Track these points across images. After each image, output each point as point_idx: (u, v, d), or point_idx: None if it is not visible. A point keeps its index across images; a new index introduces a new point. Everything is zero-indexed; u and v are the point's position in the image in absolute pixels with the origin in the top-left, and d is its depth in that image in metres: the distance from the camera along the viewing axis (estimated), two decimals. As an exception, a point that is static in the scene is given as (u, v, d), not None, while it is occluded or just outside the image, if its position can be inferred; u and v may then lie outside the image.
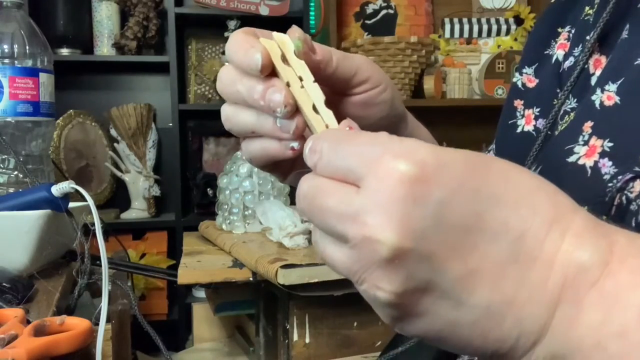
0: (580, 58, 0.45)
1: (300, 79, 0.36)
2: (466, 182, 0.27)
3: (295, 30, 0.36)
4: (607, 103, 0.40)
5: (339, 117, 0.35)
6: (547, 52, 0.53)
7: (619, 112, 0.39)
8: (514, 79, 0.56)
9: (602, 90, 0.41)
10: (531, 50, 0.55)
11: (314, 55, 0.37)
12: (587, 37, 0.46)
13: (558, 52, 0.51)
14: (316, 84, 0.36)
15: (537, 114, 0.52)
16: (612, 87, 0.40)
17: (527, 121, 0.53)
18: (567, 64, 0.50)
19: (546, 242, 0.27)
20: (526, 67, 0.55)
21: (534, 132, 0.51)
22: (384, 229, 0.26)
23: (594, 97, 0.41)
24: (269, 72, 0.36)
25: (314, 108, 0.35)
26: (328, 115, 0.35)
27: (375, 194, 0.26)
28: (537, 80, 0.53)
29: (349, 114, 0.41)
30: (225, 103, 0.40)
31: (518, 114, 0.54)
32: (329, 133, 0.31)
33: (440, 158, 0.27)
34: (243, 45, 0.36)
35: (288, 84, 0.36)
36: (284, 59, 0.36)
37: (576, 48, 0.49)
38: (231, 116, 0.39)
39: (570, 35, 0.51)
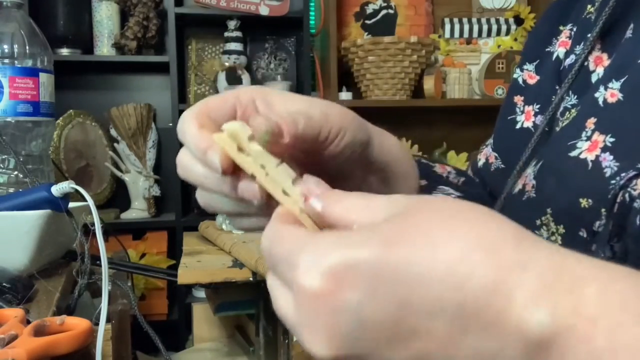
0: (579, 55, 0.45)
1: (262, 165, 0.34)
2: (383, 273, 0.25)
3: (260, 123, 0.34)
4: (611, 100, 0.40)
5: (319, 171, 0.34)
6: (548, 49, 0.53)
7: (622, 108, 0.39)
8: (515, 75, 0.56)
9: (606, 88, 0.41)
10: (532, 47, 0.55)
11: (282, 140, 0.35)
12: (589, 35, 0.46)
13: (559, 49, 0.51)
14: (281, 166, 0.34)
15: (537, 110, 0.52)
16: (615, 84, 0.40)
17: (526, 117, 0.53)
18: (568, 61, 0.50)
19: (492, 308, 0.25)
20: (527, 63, 0.55)
21: (532, 129, 0.52)
22: (315, 344, 0.26)
23: (597, 95, 0.41)
24: (231, 170, 0.35)
25: (284, 192, 0.33)
26: (298, 196, 0.33)
27: (299, 312, 0.27)
28: (537, 77, 0.53)
29: (324, 165, 0.40)
30: (198, 189, 0.39)
31: (518, 109, 0.54)
32: (267, 231, 0.30)
33: (349, 259, 0.26)
34: (199, 145, 0.35)
35: (253, 175, 0.34)
36: (242, 148, 0.34)
37: (577, 46, 0.49)
38: (210, 202, 0.39)
39: (572, 33, 0.51)
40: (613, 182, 0.36)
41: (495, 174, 0.57)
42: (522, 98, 0.54)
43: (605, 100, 0.40)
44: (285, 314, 0.29)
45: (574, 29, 0.51)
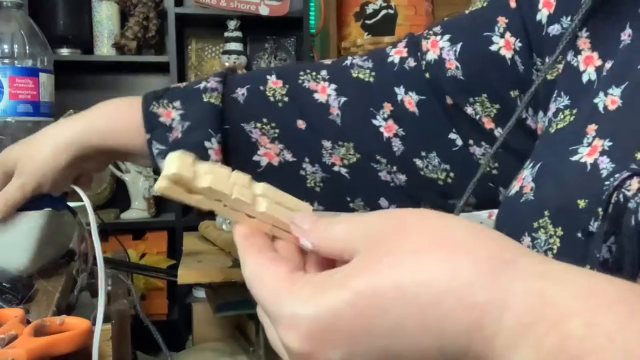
0: (555, 56, 0.44)
1: (218, 199, 0.34)
2: (359, 329, 0.26)
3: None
4: (611, 107, 0.40)
5: None
6: None
7: (621, 114, 0.39)
8: None
9: (606, 94, 0.41)
10: None
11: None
12: (570, 24, 0.45)
13: (543, 10, 0.48)
14: (235, 190, 0.33)
15: (518, 49, 0.50)
16: (616, 91, 0.40)
17: (506, 45, 0.50)
18: (552, 30, 0.47)
19: (471, 352, 0.25)
20: None
21: (509, 61, 0.50)
22: None
23: (596, 100, 0.41)
24: None
25: (249, 215, 0.34)
26: (263, 207, 0.33)
27: (289, 357, 0.28)
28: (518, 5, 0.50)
29: None
30: None
31: (497, 29, 0.51)
32: (245, 267, 0.31)
33: (326, 320, 0.26)
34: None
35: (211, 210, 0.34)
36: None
37: (564, 18, 0.46)
38: None
39: None
40: (607, 182, 0.36)
41: (450, 81, 0.53)
42: (507, 22, 0.51)
43: (605, 107, 0.40)
44: (275, 346, 0.30)
45: None
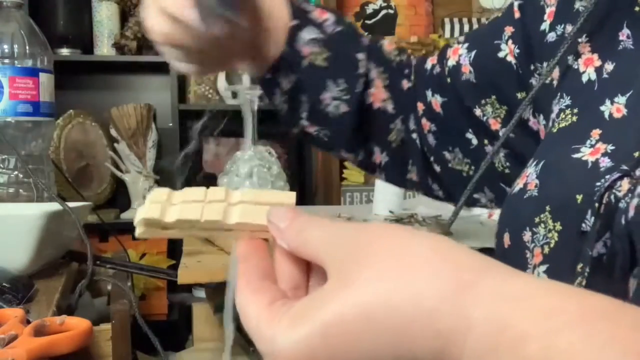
0: (556, 58, 0.46)
1: (190, 227, 0.35)
2: (334, 357, 0.27)
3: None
4: (616, 115, 0.41)
5: None
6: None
7: (626, 122, 0.41)
8: (515, 3, 0.55)
9: (612, 102, 0.42)
10: None
11: None
12: (567, 33, 0.46)
13: (547, 21, 0.51)
14: (205, 213, 0.34)
15: (516, 55, 0.53)
16: (621, 99, 0.42)
17: (509, 50, 0.54)
18: (549, 38, 0.50)
19: None
20: None
21: (514, 66, 0.54)
22: None
23: (603, 108, 0.42)
24: None
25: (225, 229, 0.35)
26: (235, 219, 0.34)
27: None
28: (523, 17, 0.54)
29: None
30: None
31: (504, 37, 0.55)
32: (237, 298, 0.32)
33: (301, 355, 0.27)
34: None
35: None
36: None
37: (559, 25, 0.49)
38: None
39: (557, 0, 0.51)
40: (599, 183, 0.37)
41: (465, 85, 0.58)
42: (513, 30, 0.54)
43: (611, 115, 0.42)
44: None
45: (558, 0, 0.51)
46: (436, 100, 0.60)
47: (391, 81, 0.61)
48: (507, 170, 0.57)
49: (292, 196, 0.35)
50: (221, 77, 2.21)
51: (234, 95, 2.18)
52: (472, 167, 0.60)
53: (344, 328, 0.26)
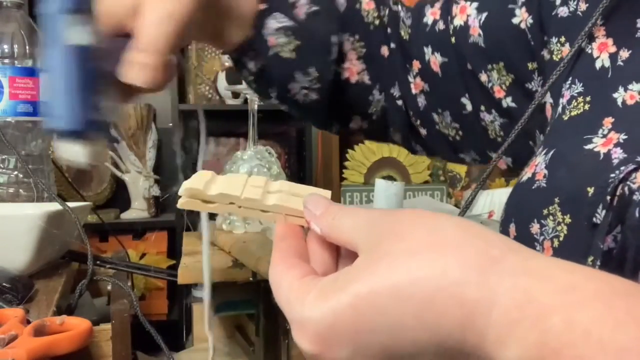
0: (576, 46, 0.44)
1: (231, 202, 0.37)
2: (363, 328, 0.28)
3: None
4: (630, 102, 0.40)
5: None
6: None
7: (638, 109, 0.40)
8: None
9: (626, 90, 0.41)
10: None
11: None
12: (586, 27, 0.44)
13: None
14: (246, 191, 0.37)
15: (529, 25, 0.51)
16: (635, 86, 0.40)
17: (523, 18, 0.51)
18: (560, 12, 0.48)
19: (468, 344, 0.26)
20: None
21: (528, 34, 0.51)
22: None
23: (616, 95, 0.41)
24: None
25: (263, 210, 0.37)
26: (276, 199, 0.37)
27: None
28: None
29: None
30: None
31: (519, 1, 0.52)
32: (270, 272, 0.34)
33: (331, 322, 0.28)
34: None
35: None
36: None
37: (572, 1, 0.47)
38: None
39: None
40: (613, 175, 0.36)
41: (471, 47, 0.54)
42: None
43: (624, 102, 0.41)
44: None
45: None
46: (435, 59, 0.57)
47: (368, 50, 0.59)
48: (499, 139, 0.56)
49: (327, 192, 0.38)
50: (221, 77, 2.21)
51: (234, 95, 2.18)
52: (459, 132, 0.58)
53: (371, 301, 0.27)
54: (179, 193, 0.37)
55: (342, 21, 0.58)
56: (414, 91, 0.59)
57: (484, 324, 0.26)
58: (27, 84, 0.91)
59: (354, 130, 0.64)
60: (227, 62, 2.23)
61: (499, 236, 0.29)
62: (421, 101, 0.59)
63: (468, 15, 0.55)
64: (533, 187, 0.42)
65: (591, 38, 0.45)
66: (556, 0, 0.48)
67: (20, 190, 0.93)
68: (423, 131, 0.61)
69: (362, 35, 0.58)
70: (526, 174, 0.44)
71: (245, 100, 2.10)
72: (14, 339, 0.48)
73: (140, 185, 2.19)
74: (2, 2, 0.92)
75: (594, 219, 0.36)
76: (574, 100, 0.45)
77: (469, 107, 0.56)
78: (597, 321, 0.23)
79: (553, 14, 0.48)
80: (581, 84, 0.45)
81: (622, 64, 0.42)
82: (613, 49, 0.43)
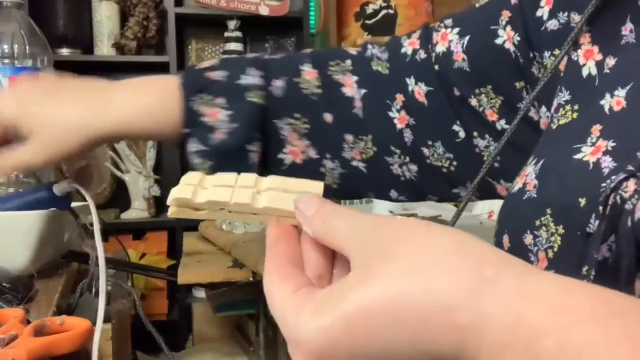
0: (562, 51, 0.44)
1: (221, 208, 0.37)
2: (355, 350, 0.28)
3: None
4: (616, 108, 0.40)
5: None
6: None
7: (625, 115, 0.39)
8: None
9: (612, 96, 0.41)
10: None
11: None
12: (572, 33, 0.44)
13: (545, 7, 0.49)
14: (235, 195, 0.36)
15: (516, 43, 0.50)
16: (621, 92, 0.40)
17: (508, 37, 0.51)
18: (550, 25, 0.48)
19: None
20: None
21: (513, 54, 0.51)
22: None
23: (603, 102, 0.41)
24: None
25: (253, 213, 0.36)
26: (266, 199, 0.36)
27: None
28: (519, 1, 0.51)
29: None
30: None
31: (501, 22, 0.52)
32: (264, 279, 0.33)
33: (322, 344, 0.28)
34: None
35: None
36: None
37: (562, 13, 0.47)
38: None
39: None
40: (604, 184, 0.36)
41: (457, 72, 0.54)
42: (510, 15, 0.51)
43: (611, 108, 0.40)
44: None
45: None
46: (420, 89, 0.56)
47: (311, 124, 0.57)
48: (495, 164, 0.54)
49: (320, 186, 0.37)
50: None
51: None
52: (454, 163, 0.57)
53: (364, 321, 0.27)
54: (168, 203, 0.37)
55: (280, 107, 0.57)
56: (398, 126, 0.57)
57: (477, 347, 0.26)
58: (27, 84, 0.91)
59: None
60: (227, 62, 2.23)
61: (494, 251, 0.28)
62: (407, 136, 0.57)
63: (450, 41, 0.55)
64: (524, 198, 0.42)
65: (577, 45, 0.45)
66: (543, 15, 0.48)
67: (20, 190, 0.93)
68: (414, 167, 0.59)
69: (302, 110, 0.57)
70: (517, 185, 0.44)
71: (245, 100, 2.10)
72: (14, 339, 0.48)
73: (140, 185, 2.19)
74: (2, 2, 0.92)
75: (588, 229, 0.36)
76: (562, 109, 0.44)
77: (462, 134, 0.55)
78: (590, 343, 0.23)
79: (542, 29, 0.48)
80: (568, 92, 0.45)
81: (608, 71, 0.42)
82: (599, 57, 0.43)
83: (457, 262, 0.27)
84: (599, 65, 0.43)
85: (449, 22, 0.57)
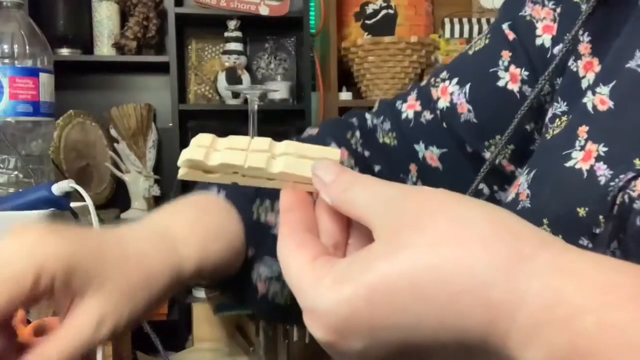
0: (560, 55, 0.43)
1: (235, 171, 0.35)
2: (377, 323, 0.26)
3: None
4: (601, 107, 0.39)
5: None
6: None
7: (613, 117, 0.39)
8: (504, 26, 0.51)
9: (594, 93, 0.40)
10: (510, 10, 0.50)
11: None
12: (571, 32, 0.44)
13: (544, 36, 0.47)
14: (249, 158, 0.34)
15: (525, 78, 0.48)
16: (603, 89, 0.40)
17: (512, 79, 0.49)
18: (556, 50, 0.47)
19: (490, 345, 0.25)
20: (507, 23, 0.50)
21: (517, 94, 0.48)
22: None
23: (585, 100, 0.40)
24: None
25: (268, 179, 0.34)
26: (281, 166, 0.34)
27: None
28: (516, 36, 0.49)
29: None
30: None
31: (502, 64, 0.50)
32: (278, 245, 0.31)
33: (342, 315, 0.27)
34: None
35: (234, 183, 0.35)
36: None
37: (567, 34, 0.45)
38: None
39: (556, 15, 0.47)
40: (610, 187, 0.35)
41: (465, 126, 0.51)
42: (510, 55, 0.49)
43: (595, 107, 0.39)
44: None
45: (558, 10, 0.47)
46: (432, 154, 0.52)
47: None
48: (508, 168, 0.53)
49: (337, 152, 0.35)
50: (221, 77, 2.21)
51: (234, 95, 2.18)
52: None
53: (389, 294, 0.26)
54: (178, 164, 0.35)
55: None
56: None
57: (508, 326, 0.24)
58: (27, 84, 0.91)
59: None
60: (227, 62, 2.23)
61: (531, 228, 0.27)
62: None
63: (451, 94, 0.51)
64: (518, 208, 0.41)
65: (578, 56, 0.44)
66: (544, 43, 0.47)
67: (20, 190, 0.93)
68: None
69: None
70: (510, 194, 0.43)
71: (245, 100, 2.10)
72: (14, 339, 0.48)
73: (140, 185, 2.19)
74: (2, 2, 0.92)
75: (593, 230, 0.35)
76: (557, 119, 0.44)
77: (486, 191, 0.52)
78: (632, 322, 0.22)
79: (548, 56, 0.47)
80: (565, 103, 0.44)
81: (598, 74, 0.42)
82: (598, 69, 0.43)
83: (493, 237, 0.26)
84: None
85: (444, 74, 0.53)
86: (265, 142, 0.35)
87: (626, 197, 0.34)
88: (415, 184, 0.54)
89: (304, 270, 0.29)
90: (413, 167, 0.54)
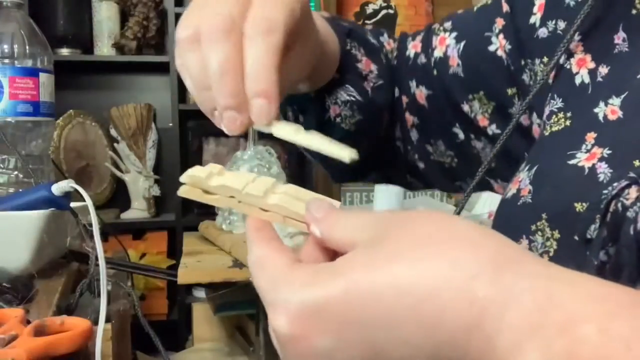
0: (554, 59, 0.44)
1: (232, 196, 0.36)
2: (350, 316, 0.25)
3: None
4: (611, 117, 0.40)
5: None
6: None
7: (621, 125, 0.39)
8: None
9: (606, 104, 0.41)
10: None
11: None
12: (563, 41, 0.44)
13: (537, 14, 0.49)
14: (248, 187, 0.36)
15: (507, 51, 0.51)
16: (616, 101, 0.40)
17: (500, 45, 0.52)
18: (540, 33, 0.48)
19: (471, 351, 0.24)
20: None
21: (505, 60, 0.51)
22: None
23: (597, 110, 0.41)
24: None
25: (262, 209, 0.35)
26: (277, 201, 0.35)
27: (279, 347, 0.28)
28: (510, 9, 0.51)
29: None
30: None
31: (495, 29, 0.52)
32: (251, 255, 0.31)
33: (314, 306, 0.26)
34: None
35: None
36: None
37: (551, 21, 0.47)
38: None
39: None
40: (605, 191, 0.36)
41: (452, 79, 0.55)
42: (503, 23, 0.52)
43: (605, 117, 0.40)
44: (274, 341, 0.30)
45: None
46: (421, 92, 0.57)
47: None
48: (493, 164, 0.54)
49: (337, 203, 0.35)
50: (221, 77, 2.21)
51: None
52: (455, 159, 0.58)
53: (367, 289, 0.25)
54: (181, 180, 0.37)
55: (402, 76, 0.59)
56: (407, 127, 0.59)
57: (495, 327, 0.23)
58: (27, 84, 0.91)
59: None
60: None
61: (514, 242, 0.27)
62: (414, 135, 0.59)
63: (447, 46, 0.56)
64: (519, 203, 0.42)
65: (570, 54, 0.45)
66: (536, 22, 0.49)
67: (20, 190, 0.93)
68: (421, 164, 0.61)
69: (423, 81, 0.58)
70: (511, 190, 0.44)
71: (245, 100, 2.10)
72: (14, 339, 0.48)
73: (140, 185, 2.19)
74: (2, 2, 0.92)
75: (588, 235, 0.35)
76: (554, 116, 0.45)
77: (461, 136, 0.57)
78: (636, 332, 0.21)
79: (534, 36, 0.49)
80: (561, 100, 0.45)
81: (601, 79, 0.42)
82: (592, 65, 0.43)
83: (479, 240, 0.25)
84: (592, 73, 0.43)
85: (448, 25, 0.57)
86: (268, 181, 0.37)
87: (619, 205, 0.34)
88: (405, 112, 0.59)
89: (280, 269, 0.29)
90: (404, 99, 0.59)
